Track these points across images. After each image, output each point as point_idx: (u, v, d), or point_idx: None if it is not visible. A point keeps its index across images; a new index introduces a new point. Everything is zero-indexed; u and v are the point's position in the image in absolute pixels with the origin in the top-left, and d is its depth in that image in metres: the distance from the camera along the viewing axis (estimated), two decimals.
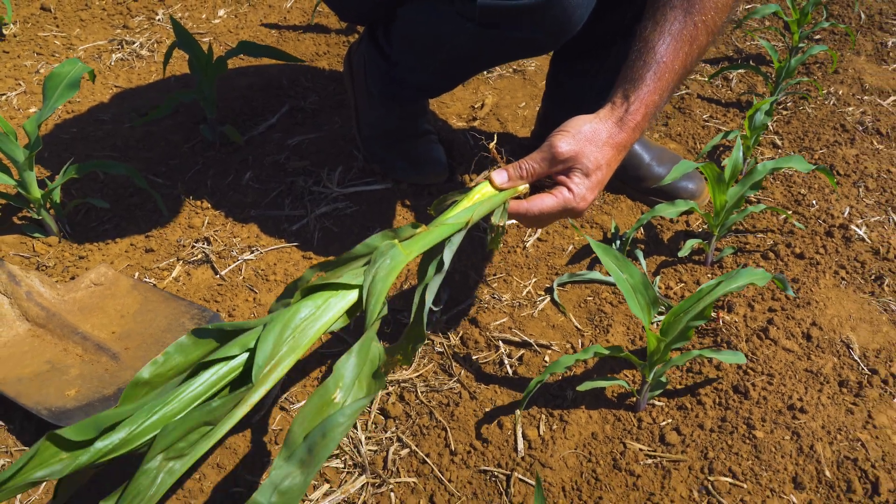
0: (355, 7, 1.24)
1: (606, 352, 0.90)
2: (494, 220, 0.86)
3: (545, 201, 0.87)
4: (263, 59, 1.84)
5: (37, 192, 1.16)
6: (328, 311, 0.75)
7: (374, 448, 0.90)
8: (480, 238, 1.25)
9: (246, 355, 0.71)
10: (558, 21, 0.96)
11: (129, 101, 1.62)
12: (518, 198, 0.88)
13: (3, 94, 1.64)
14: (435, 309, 1.09)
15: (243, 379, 0.70)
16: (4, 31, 1.93)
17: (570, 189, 0.87)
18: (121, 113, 1.57)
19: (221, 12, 2.05)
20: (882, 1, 2.20)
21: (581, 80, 1.32)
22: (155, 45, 1.87)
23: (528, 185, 0.89)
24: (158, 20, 2.00)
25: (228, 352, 0.70)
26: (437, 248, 0.81)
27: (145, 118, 1.37)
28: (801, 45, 1.72)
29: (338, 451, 0.90)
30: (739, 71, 1.84)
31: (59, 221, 1.21)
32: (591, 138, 0.87)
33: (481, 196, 0.86)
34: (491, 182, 0.87)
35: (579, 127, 0.87)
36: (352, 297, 0.76)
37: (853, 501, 0.87)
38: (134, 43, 1.87)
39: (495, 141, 0.90)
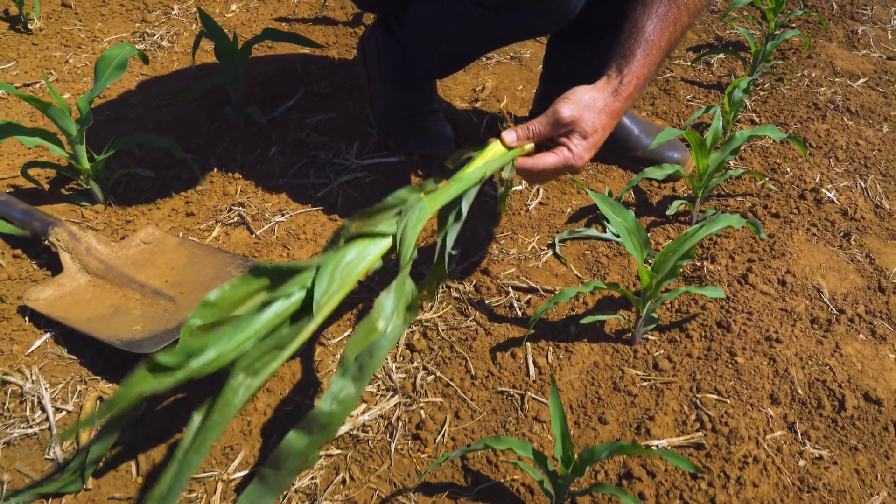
0: (377, 5, 1.36)
1: (605, 286, 1.03)
2: (504, 174, 0.99)
3: (548, 158, 1.00)
4: (277, 49, 1.96)
5: (86, 164, 1.27)
6: (368, 255, 0.88)
7: (404, 375, 1.03)
8: (488, 203, 1.38)
9: (303, 293, 0.83)
10: (559, 8, 1.09)
11: (155, 87, 1.74)
12: (525, 156, 1.01)
13: (38, 82, 1.75)
14: (453, 254, 1.22)
15: (301, 312, 0.83)
16: (30, 27, 2.04)
17: (569, 149, 1.00)
18: (149, 98, 1.69)
19: (234, 7, 2.17)
20: None
21: (576, 65, 1.44)
22: (174, 38, 1.98)
23: (533, 145, 1.02)
24: (175, 14, 2.12)
25: (289, 290, 0.83)
26: (456, 200, 0.94)
27: (182, 97, 1.49)
28: (776, 32, 1.86)
29: (372, 379, 1.02)
30: (720, 56, 1.98)
31: (104, 191, 1.32)
32: (589, 106, 1.00)
33: (493, 154, 0.99)
34: (501, 141, 1.00)
35: (579, 96, 1.01)
36: (386, 243, 0.89)
37: (823, 416, 1.00)
38: (154, 35, 1.99)
39: (505, 103, 1.03)
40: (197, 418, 0.76)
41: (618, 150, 1.49)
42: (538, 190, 1.42)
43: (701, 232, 1.03)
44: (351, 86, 1.78)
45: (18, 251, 1.22)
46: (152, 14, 2.14)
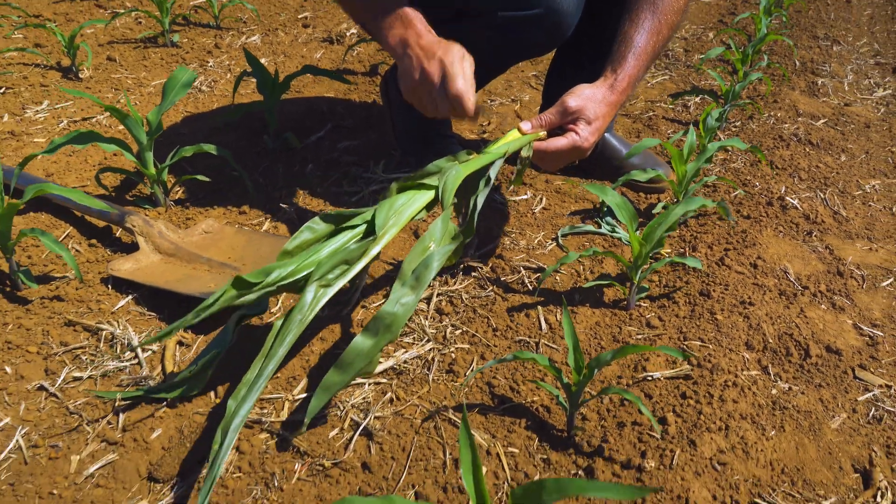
0: None
1: (603, 252, 1.22)
2: (523, 153, 1.21)
3: (559, 141, 1.22)
4: (304, 92, 2.21)
5: (153, 169, 1.48)
6: (416, 201, 1.08)
7: (435, 330, 1.21)
8: (500, 208, 1.58)
9: (364, 226, 1.03)
10: (555, 26, 1.34)
11: (200, 121, 1.96)
12: (539, 141, 1.23)
13: (94, 117, 1.98)
14: (471, 238, 1.41)
15: (364, 240, 1.02)
16: (81, 76, 2.29)
17: (577, 133, 1.22)
18: (195, 129, 1.91)
19: (263, 61, 2.43)
20: (811, 48, 2.66)
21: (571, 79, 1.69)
22: (212, 84, 2.23)
23: (545, 132, 1.24)
24: (210, 66, 2.37)
25: (353, 222, 1.03)
26: (484, 170, 1.15)
27: (226, 116, 1.71)
28: (742, 80, 2.12)
29: (408, 331, 1.20)
30: (696, 99, 2.24)
31: (165, 195, 1.52)
32: (591, 97, 1.23)
33: (510, 139, 1.21)
34: (519, 129, 1.22)
35: (583, 90, 1.23)
36: (430, 194, 1.09)
37: (791, 361, 1.18)
38: (195, 82, 2.23)
39: (519, 104, 1.25)
40: (278, 323, 0.95)
41: (608, 168, 1.71)
42: (541, 197, 1.64)
43: (679, 208, 1.24)
44: (372, 122, 2.01)
45: (93, 240, 1.40)
46: (190, 66, 2.40)
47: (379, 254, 1.03)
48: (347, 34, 2.85)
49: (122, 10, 2.99)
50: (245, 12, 3.09)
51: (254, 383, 0.89)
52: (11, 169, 1.50)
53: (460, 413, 1.04)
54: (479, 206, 1.14)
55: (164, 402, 1.02)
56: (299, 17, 3.10)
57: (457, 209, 1.19)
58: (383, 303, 1.01)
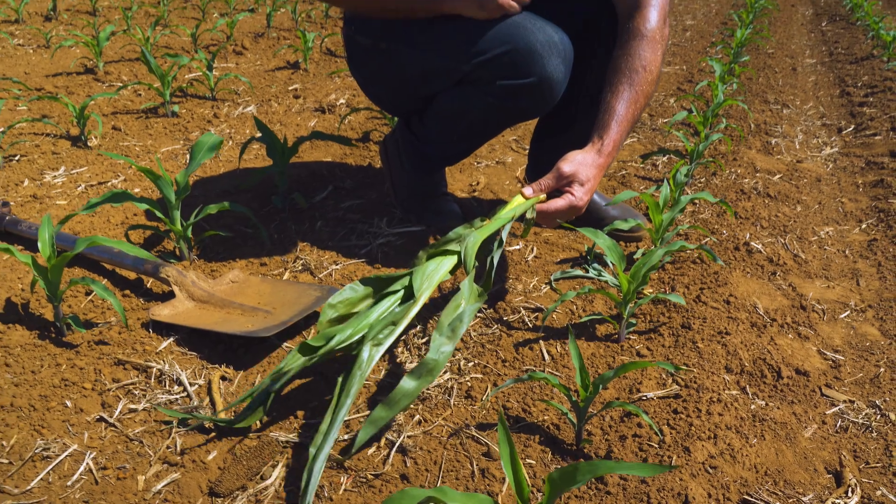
0: (404, 107, 1.79)
1: (595, 289, 1.38)
2: (528, 215, 1.38)
3: (558, 203, 1.39)
4: (304, 157, 2.38)
5: (179, 226, 1.61)
6: (443, 266, 1.25)
7: (450, 363, 1.34)
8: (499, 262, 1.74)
9: (402, 290, 1.19)
10: (547, 93, 1.53)
11: (211, 184, 2.11)
12: (540, 203, 1.40)
13: (108, 181, 2.11)
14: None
15: (402, 304, 1.18)
16: (90, 144, 2.42)
17: (573, 194, 1.39)
18: (206, 191, 2.05)
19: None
20: (764, 111, 2.92)
21: (553, 156, 1.88)
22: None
23: (545, 196, 1.41)
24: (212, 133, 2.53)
25: (394, 288, 1.19)
26: (496, 233, 1.32)
27: (246, 182, 1.86)
28: (705, 140, 2.35)
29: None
30: (663, 159, 2.46)
31: (189, 249, 1.65)
32: (582, 162, 1.41)
33: (517, 203, 1.39)
34: (522, 195, 1.40)
35: (574, 156, 1.42)
36: (454, 259, 1.26)
37: (766, 382, 1.33)
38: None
39: (504, 165, 1.43)
40: (340, 379, 1.10)
41: (591, 220, 1.89)
42: (532, 247, 1.80)
43: (660, 251, 1.40)
44: (370, 182, 2.18)
45: (126, 291, 1.52)
46: (192, 133, 2.56)
47: (416, 314, 1.19)
48: (337, 104, 3.04)
49: (122, 84, 3.16)
50: (238, 85, 3.28)
51: (328, 432, 1.03)
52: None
53: (482, 431, 1.17)
54: (496, 264, 1.30)
55: (216, 429, 1.13)
56: (289, 89, 3.30)
57: (476, 271, 1.36)
58: (450, 300, 1.17)
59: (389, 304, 1.21)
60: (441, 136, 1.74)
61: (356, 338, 1.16)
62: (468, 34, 1.51)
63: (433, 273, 1.27)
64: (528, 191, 1.42)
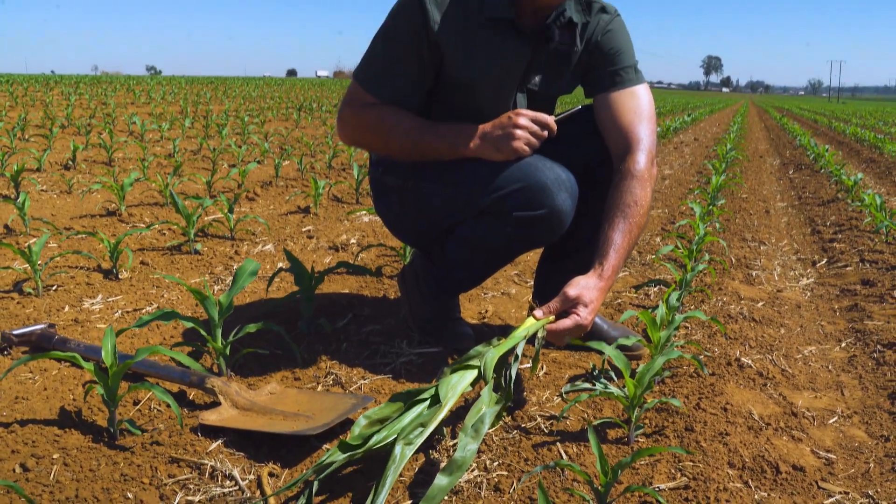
0: (426, 238, 2.00)
1: (605, 392, 1.52)
2: (539, 334, 1.55)
3: (566, 323, 1.57)
4: (323, 289, 2.56)
5: (220, 343, 1.75)
6: (465, 378, 1.41)
7: (476, 462, 1.45)
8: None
9: (430, 400, 1.34)
10: (557, 223, 1.74)
11: (239, 312, 2.26)
12: (549, 324, 1.58)
13: (143, 308, 2.27)
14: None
15: (431, 408, 1.33)
16: (120, 276, 2.60)
17: (578, 315, 1.57)
18: (237, 318, 2.20)
19: (279, 265, 2.80)
20: (742, 248, 3.17)
21: (558, 278, 2.07)
22: None
23: (553, 317, 1.59)
24: (235, 269, 2.72)
25: (422, 397, 1.35)
26: (512, 350, 1.49)
27: (274, 311, 2.02)
28: (692, 271, 2.56)
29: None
30: (654, 289, 2.66)
31: (228, 366, 1.78)
32: (586, 286, 1.60)
33: (529, 324, 1.57)
34: (534, 317, 1.58)
35: (578, 281, 1.61)
36: (474, 373, 1.42)
37: (766, 476, 1.45)
38: (226, 279, 2.57)
39: (508, 296, 1.61)
40: (376, 479, 1.23)
41: (594, 340, 2.05)
42: (542, 365, 1.95)
43: (660, 359, 1.56)
44: (387, 311, 2.35)
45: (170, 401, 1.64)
46: (217, 268, 2.75)
47: (443, 418, 1.34)
48: (349, 243, 3.27)
49: (145, 225, 3.39)
50: (255, 226, 3.52)
51: None
52: (95, 346, 1.76)
53: None
54: (514, 377, 1.47)
55: None
56: (303, 230, 3.54)
57: (494, 382, 1.51)
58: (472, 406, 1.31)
59: (419, 410, 1.36)
60: (461, 262, 1.93)
61: (390, 438, 1.29)
62: (487, 173, 1.75)
63: (457, 384, 1.42)
64: (538, 313, 1.60)
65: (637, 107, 1.84)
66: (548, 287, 1.98)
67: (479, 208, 1.78)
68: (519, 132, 1.73)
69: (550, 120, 1.78)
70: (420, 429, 1.31)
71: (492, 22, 1.76)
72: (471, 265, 1.94)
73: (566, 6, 1.80)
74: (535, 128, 1.75)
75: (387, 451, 1.27)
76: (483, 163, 1.77)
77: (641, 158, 1.77)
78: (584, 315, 1.58)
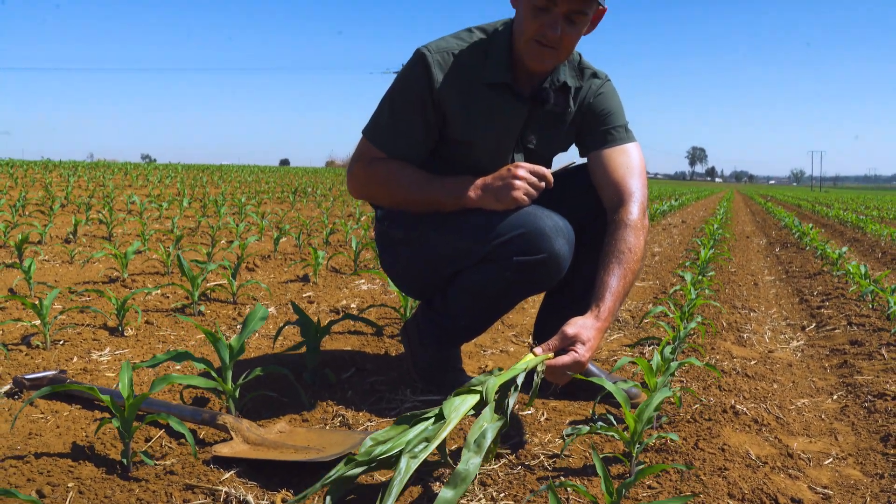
0: (430, 288, 2.08)
1: (607, 428, 1.57)
2: (539, 369, 1.61)
3: (564, 359, 1.64)
4: (326, 346, 2.61)
5: (230, 385, 1.80)
6: (467, 401, 1.47)
7: (483, 495, 1.49)
8: (513, 418, 1.93)
9: (433, 418, 1.40)
10: (555, 267, 1.83)
11: (245, 364, 2.31)
12: (549, 360, 1.65)
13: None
14: (501, 449, 1.74)
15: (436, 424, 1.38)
16: (126, 334, 2.65)
17: (576, 352, 1.64)
18: (242, 369, 2.25)
19: (281, 324, 2.85)
20: (733, 314, 3.25)
21: (556, 323, 2.13)
22: (246, 340, 2.61)
23: (552, 354, 1.65)
24: (238, 328, 2.77)
25: (426, 416, 1.40)
26: (512, 380, 1.55)
27: (280, 361, 2.07)
28: (684, 329, 2.64)
29: (467, 496, 1.47)
30: (649, 347, 2.73)
31: (237, 408, 1.82)
32: (583, 325, 1.68)
33: (528, 360, 1.63)
34: (534, 353, 1.65)
35: (576, 321, 1.68)
36: (476, 397, 1.48)
37: None
38: (230, 337, 2.62)
39: (507, 354, 1.69)
40: (382, 490, 1.28)
41: (592, 391, 2.10)
42: (542, 412, 1.99)
43: (659, 394, 1.62)
44: (389, 366, 2.40)
45: (182, 440, 1.67)
46: (221, 327, 2.80)
47: (445, 437, 1.38)
48: (350, 307, 3.34)
49: (152, 287, 3.45)
50: (257, 292, 3.59)
51: None
52: (108, 388, 1.80)
53: None
54: (512, 404, 1.53)
55: None
56: (303, 296, 3.61)
57: (495, 404, 1.56)
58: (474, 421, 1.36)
59: (423, 426, 1.40)
60: (463, 310, 2.00)
61: (395, 451, 1.33)
62: (489, 221, 1.85)
63: (460, 405, 1.47)
64: (538, 350, 1.66)
65: (628, 162, 1.97)
66: (546, 331, 2.05)
67: (481, 255, 1.87)
68: (518, 183, 1.84)
69: (548, 172, 1.89)
70: (425, 443, 1.34)
71: (491, 85, 1.90)
72: (473, 312, 2.01)
73: (560, 71, 1.95)
74: (534, 179, 1.87)
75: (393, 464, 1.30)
76: (485, 212, 1.87)
77: (634, 209, 1.88)
78: (581, 352, 1.64)
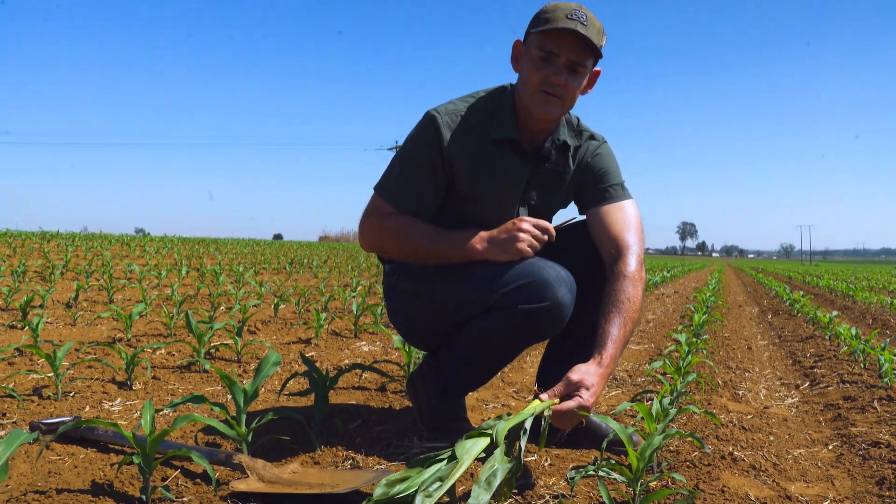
0: (437, 338, 2.16)
1: (612, 464, 1.63)
2: (546, 414, 1.68)
3: (569, 403, 1.71)
4: (332, 399, 2.66)
5: (243, 429, 1.86)
6: (478, 444, 1.54)
7: None
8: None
9: (447, 460, 1.46)
10: (558, 314, 1.92)
11: (252, 417, 2.36)
12: (554, 405, 1.72)
13: (162, 410, 2.35)
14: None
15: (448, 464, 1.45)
16: (134, 387, 2.70)
17: (581, 397, 1.72)
18: (251, 418, 2.30)
19: (291, 382, 2.91)
20: (728, 373, 3.32)
21: (560, 373, 2.20)
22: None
23: (557, 399, 1.73)
24: (245, 383, 2.83)
25: (441, 456, 1.46)
26: (520, 425, 1.62)
27: (288, 412, 2.12)
28: (681, 383, 2.71)
29: None
30: (648, 402, 2.79)
31: (249, 451, 1.87)
32: (587, 372, 1.76)
33: (534, 405, 1.71)
34: (539, 399, 1.72)
35: (580, 367, 1.77)
36: (487, 440, 1.55)
37: None
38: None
39: (509, 407, 1.77)
40: None
41: (596, 439, 2.16)
42: (546, 458, 2.04)
43: (660, 436, 1.69)
44: (395, 419, 2.45)
45: (197, 479, 1.72)
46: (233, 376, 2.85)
47: (460, 475, 1.45)
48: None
49: (152, 350, 3.51)
50: (261, 351, 3.64)
51: None
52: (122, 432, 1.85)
53: None
54: (523, 447, 1.59)
55: None
56: (307, 355, 3.66)
57: (506, 446, 1.63)
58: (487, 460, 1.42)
59: (437, 466, 1.46)
60: (469, 359, 2.08)
61: (411, 490, 1.39)
62: (495, 272, 1.95)
63: (471, 447, 1.54)
64: (543, 396, 1.73)
65: (625, 218, 2.08)
66: (549, 378, 2.12)
67: (487, 305, 1.96)
68: (523, 235, 1.95)
69: (550, 226, 2.01)
70: (439, 483, 1.40)
71: (497, 143, 2.04)
72: (478, 361, 2.09)
73: (560, 131, 2.09)
74: (537, 232, 1.98)
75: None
76: (490, 264, 1.97)
77: (631, 261, 1.99)
78: (586, 397, 1.71)
